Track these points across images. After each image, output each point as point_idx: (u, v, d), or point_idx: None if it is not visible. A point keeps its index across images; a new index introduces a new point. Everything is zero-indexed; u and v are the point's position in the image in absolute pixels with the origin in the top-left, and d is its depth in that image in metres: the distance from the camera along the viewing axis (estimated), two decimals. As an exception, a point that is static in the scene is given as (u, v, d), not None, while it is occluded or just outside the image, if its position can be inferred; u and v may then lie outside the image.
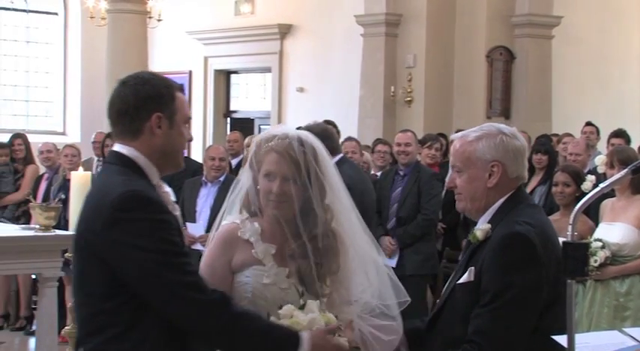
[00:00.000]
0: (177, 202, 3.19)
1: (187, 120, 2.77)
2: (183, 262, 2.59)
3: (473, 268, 3.01)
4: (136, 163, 2.66)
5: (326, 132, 5.92)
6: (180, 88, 2.79)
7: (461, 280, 3.04)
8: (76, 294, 2.67)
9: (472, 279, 2.99)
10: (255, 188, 3.06)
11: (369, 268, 3.13)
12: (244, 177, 3.12)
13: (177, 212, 2.77)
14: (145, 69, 13.40)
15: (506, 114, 12.05)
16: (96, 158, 9.83)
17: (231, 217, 3.10)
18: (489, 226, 3.05)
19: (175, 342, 2.64)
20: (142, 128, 2.67)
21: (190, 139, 2.81)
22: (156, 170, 2.71)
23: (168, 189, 2.87)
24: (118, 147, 2.71)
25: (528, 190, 7.82)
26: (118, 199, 2.52)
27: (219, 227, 3.10)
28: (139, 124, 2.67)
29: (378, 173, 8.37)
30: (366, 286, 3.13)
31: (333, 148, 5.72)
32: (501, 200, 3.08)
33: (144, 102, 2.67)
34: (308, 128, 6.07)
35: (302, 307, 2.93)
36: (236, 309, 2.67)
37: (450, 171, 3.24)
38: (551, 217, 6.25)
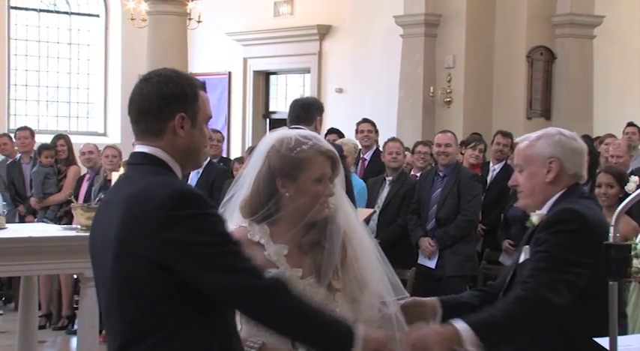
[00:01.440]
0: (217, 203, 3.16)
1: (208, 119, 2.71)
2: (239, 250, 2.58)
3: (528, 246, 3.20)
4: (165, 163, 2.62)
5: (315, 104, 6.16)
6: (203, 86, 2.71)
7: (520, 260, 3.23)
8: (115, 299, 2.57)
9: (529, 256, 3.17)
10: (279, 193, 2.99)
11: (371, 259, 3.15)
12: (248, 183, 3.06)
13: None
14: (185, 70, 13.49)
15: (546, 115, 11.95)
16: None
17: (234, 221, 3.05)
18: (544, 212, 3.24)
19: (223, 342, 2.62)
20: (165, 128, 2.61)
21: (210, 138, 2.78)
22: (180, 171, 2.67)
23: None
24: (141, 148, 2.64)
25: (569, 191, 7.73)
26: (169, 199, 2.49)
27: None
28: (162, 123, 2.61)
29: (418, 174, 8.34)
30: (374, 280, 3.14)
31: (306, 119, 5.81)
32: (558, 194, 3.26)
33: (167, 101, 2.60)
34: (296, 101, 6.18)
35: None
36: (293, 293, 2.63)
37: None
38: (593, 219, 6.21)
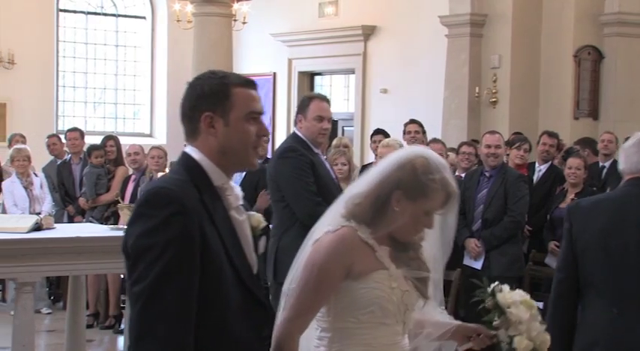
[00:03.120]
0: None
1: (250, 115, 2.59)
2: (179, 279, 2.41)
3: None
4: (200, 165, 2.57)
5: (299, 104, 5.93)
6: (246, 83, 2.63)
7: None
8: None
9: None
10: (390, 205, 2.94)
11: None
12: (367, 181, 3.01)
13: (242, 217, 2.66)
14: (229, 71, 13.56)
15: (594, 115, 11.82)
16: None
17: (332, 221, 3.00)
18: None
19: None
20: (197, 129, 2.59)
21: (264, 135, 2.62)
22: (220, 171, 2.59)
23: (238, 191, 2.68)
24: (187, 148, 2.64)
25: (617, 192, 7.64)
26: (144, 195, 2.49)
27: (327, 231, 2.97)
28: (194, 124, 2.59)
29: (463, 175, 8.29)
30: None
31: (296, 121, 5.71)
32: None
33: (195, 102, 2.58)
34: None
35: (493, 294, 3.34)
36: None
37: None
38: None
